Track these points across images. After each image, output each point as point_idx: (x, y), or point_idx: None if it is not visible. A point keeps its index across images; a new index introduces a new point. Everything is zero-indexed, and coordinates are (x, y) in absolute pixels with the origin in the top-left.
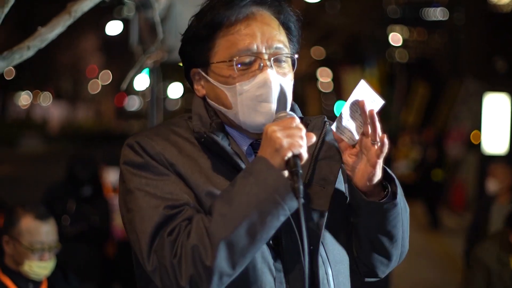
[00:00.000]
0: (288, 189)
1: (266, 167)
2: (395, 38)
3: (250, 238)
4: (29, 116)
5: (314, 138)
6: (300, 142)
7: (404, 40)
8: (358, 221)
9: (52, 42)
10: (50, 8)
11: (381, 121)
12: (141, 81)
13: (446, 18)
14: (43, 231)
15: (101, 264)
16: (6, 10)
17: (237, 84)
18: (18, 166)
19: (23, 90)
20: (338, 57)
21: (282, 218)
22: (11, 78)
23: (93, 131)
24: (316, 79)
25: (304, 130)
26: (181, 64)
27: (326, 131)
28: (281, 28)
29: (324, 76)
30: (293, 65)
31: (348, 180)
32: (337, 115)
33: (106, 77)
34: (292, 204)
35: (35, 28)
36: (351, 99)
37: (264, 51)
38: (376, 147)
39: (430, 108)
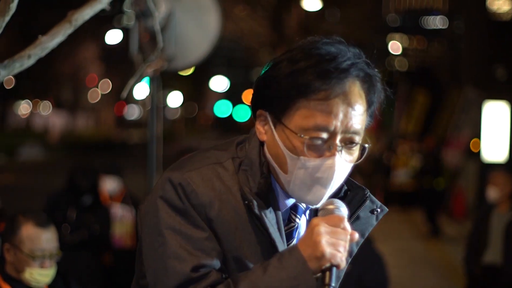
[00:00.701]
0: None
1: (302, 269)
2: (395, 47)
3: None
4: (28, 125)
5: (356, 236)
6: (342, 252)
7: (403, 49)
8: None
9: (51, 51)
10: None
11: (380, 129)
12: (141, 90)
13: (445, 27)
14: (44, 239)
15: (100, 272)
16: (7, 18)
17: (301, 157)
18: (18, 175)
19: (23, 99)
20: None
21: None
22: (11, 87)
23: (93, 140)
24: None
25: (349, 235)
26: (182, 73)
27: (363, 207)
28: (365, 108)
29: None
30: (362, 152)
31: None
32: None
33: (105, 86)
34: None
35: (35, 37)
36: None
37: (339, 133)
38: None
39: (430, 117)
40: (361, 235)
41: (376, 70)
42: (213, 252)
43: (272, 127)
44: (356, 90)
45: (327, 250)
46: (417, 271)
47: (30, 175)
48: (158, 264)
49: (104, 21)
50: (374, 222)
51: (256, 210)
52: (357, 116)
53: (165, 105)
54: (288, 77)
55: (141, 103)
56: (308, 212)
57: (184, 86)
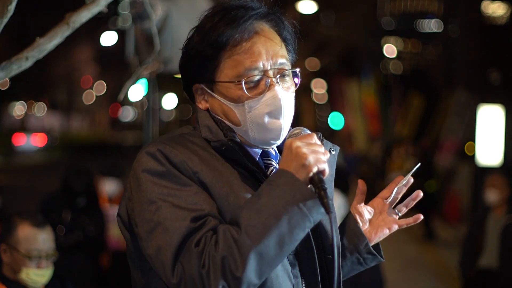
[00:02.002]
0: (315, 203)
1: (292, 181)
2: (390, 50)
3: (279, 248)
4: (23, 126)
5: (328, 155)
6: (323, 158)
7: (398, 52)
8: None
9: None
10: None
11: (377, 132)
12: (136, 91)
13: (440, 30)
14: (40, 239)
15: (96, 274)
16: (6, 20)
17: (245, 102)
18: (13, 176)
19: (18, 100)
20: (333, 69)
21: (307, 230)
22: (6, 88)
23: (88, 142)
24: (311, 91)
25: (323, 147)
26: (176, 76)
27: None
28: (282, 42)
29: (319, 88)
30: (295, 77)
31: (347, 221)
32: (331, 126)
33: (100, 87)
34: (318, 217)
35: (31, 39)
36: (409, 175)
37: (269, 68)
38: (396, 217)
39: (425, 120)
40: (330, 175)
41: (278, 9)
42: (206, 203)
43: (210, 92)
44: (266, 27)
45: (310, 156)
46: (412, 275)
47: (25, 176)
48: (158, 230)
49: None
50: (334, 161)
51: (238, 149)
52: (277, 48)
53: (160, 107)
54: (203, 41)
55: (136, 105)
56: (279, 159)
57: (179, 88)
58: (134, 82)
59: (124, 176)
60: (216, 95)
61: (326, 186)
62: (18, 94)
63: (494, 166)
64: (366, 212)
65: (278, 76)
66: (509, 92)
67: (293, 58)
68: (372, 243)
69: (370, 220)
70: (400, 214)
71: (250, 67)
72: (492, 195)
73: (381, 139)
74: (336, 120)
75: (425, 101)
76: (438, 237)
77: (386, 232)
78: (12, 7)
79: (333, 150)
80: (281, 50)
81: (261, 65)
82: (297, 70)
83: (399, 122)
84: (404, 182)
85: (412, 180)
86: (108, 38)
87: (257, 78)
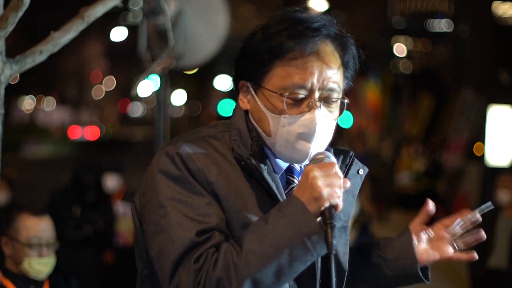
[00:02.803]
0: (321, 238)
1: (302, 212)
2: (400, 49)
3: (276, 279)
4: (32, 120)
5: (348, 184)
6: (338, 192)
7: (408, 51)
8: (388, 276)
9: None
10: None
11: (387, 132)
12: (145, 87)
13: (450, 30)
14: (39, 227)
15: (103, 269)
16: (21, 13)
17: (282, 116)
18: (21, 171)
19: (27, 94)
20: None
21: (308, 263)
22: (15, 82)
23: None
24: None
25: (342, 179)
26: (187, 72)
27: (352, 167)
28: (340, 68)
29: None
30: (342, 108)
31: (402, 237)
32: (340, 124)
33: (110, 83)
34: (321, 252)
35: (40, 33)
36: (480, 211)
37: (317, 90)
38: (452, 250)
39: (435, 120)
40: (352, 196)
41: (349, 35)
42: (215, 216)
43: (254, 93)
44: (329, 49)
45: (324, 190)
46: None
47: (34, 171)
48: (162, 236)
49: (109, 18)
50: (360, 182)
51: (254, 167)
52: (332, 73)
53: (169, 103)
54: (262, 43)
55: (145, 100)
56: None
57: (188, 84)
58: (145, 78)
59: (126, 171)
60: (257, 99)
61: (334, 223)
62: (28, 88)
63: (503, 166)
64: (425, 234)
65: (323, 102)
66: None
67: (348, 85)
68: (420, 265)
69: (425, 241)
70: (458, 248)
71: (298, 84)
72: (504, 196)
73: (390, 138)
74: (345, 119)
75: (435, 101)
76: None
77: (437, 258)
78: (27, 1)
79: (360, 171)
80: (336, 75)
81: (309, 84)
82: (346, 100)
83: (409, 122)
84: (470, 218)
85: (480, 218)
86: (119, 33)
87: (301, 96)
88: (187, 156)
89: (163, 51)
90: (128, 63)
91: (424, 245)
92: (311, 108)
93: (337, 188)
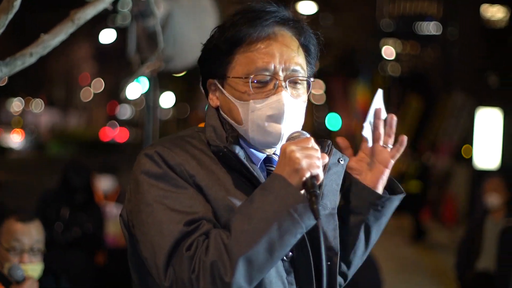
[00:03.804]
0: (306, 208)
1: (285, 185)
2: (388, 52)
3: (269, 254)
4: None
5: (327, 159)
6: (317, 163)
7: (397, 54)
8: (368, 218)
9: None
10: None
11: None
12: (134, 89)
13: (439, 33)
14: (23, 233)
15: (93, 271)
16: (11, 16)
17: (250, 101)
18: (10, 173)
19: (15, 96)
20: (331, 70)
21: (299, 236)
22: (4, 84)
23: (85, 139)
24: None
25: (319, 151)
26: (176, 75)
27: (332, 154)
28: (300, 50)
29: (317, 88)
30: (308, 87)
31: (348, 185)
32: (328, 127)
33: (98, 85)
34: (309, 223)
35: (27, 35)
36: (373, 107)
37: (280, 72)
38: (388, 149)
39: (423, 122)
40: (336, 184)
41: (301, 19)
42: (201, 206)
43: (221, 87)
44: (285, 31)
45: (303, 160)
46: (408, 277)
47: (22, 173)
48: (152, 233)
49: (98, 20)
50: (342, 170)
51: (233, 157)
52: (293, 54)
53: (158, 106)
54: (221, 37)
55: (133, 103)
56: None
57: (176, 86)
58: (134, 80)
59: (119, 173)
60: (225, 91)
61: (318, 191)
62: (16, 90)
63: (491, 169)
64: (359, 163)
65: (288, 82)
66: (507, 95)
67: (312, 70)
68: (379, 190)
69: (367, 168)
70: (389, 145)
71: (261, 67)
72: (493, 199)
73: None
74: (333, 121)
75: (423, 104)
76: (431, 238)
77: (386, 171)
78: (17, 3)
79: (341, 160)
80: (297, 57)
81: (272, 67)
82: (311, 79)
83: (397, 124)
84: (372, 113)
85: (383, 110)
86: (107, 36)
87: (265, 78)
88: (166, 153)
89: (153, 53)
90: (116, 65)
91: (369, 172)
92: (277, 88)
93: (316, 159)
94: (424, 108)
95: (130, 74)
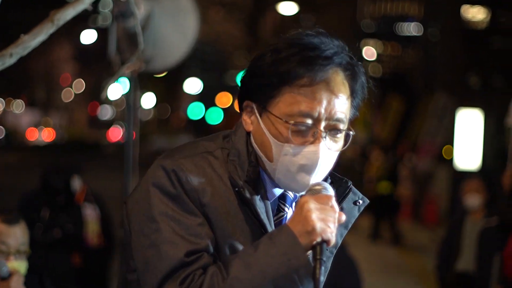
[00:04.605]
0: (309, 273)
1: (292, 244)
2: (369, 52)
3: None
4: (1, 123)
5: (344, 218)
6: (332, 227)
7: (378, 55)
8: None
9: None
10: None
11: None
12: (114, 90)
13: (420, 34)
14: (9, 234)
15: (73, 272)
16: None
17: (286, 144)
18: None
19: None
20: None
21: None
22: None
23: (66, 140)
24: None
25: (337, 213)
26: (157, 75)
27: (347, 199)
28: (349, 98)
29: None
30: (346, 139)
31: None
32: None
33: (79, 85)
34: (307, 286)
35: (9, 35)
36: None
37: (323, 120)
38: None
39: (404, 123)
40: (345, 227)
41: (359, 63)
42: (206, 237)
43: (258, 116)
44: (339, 78)
45: (318, 224)
46: (389, 278)
47: (2, 174)
48: (151, 250)
49: (79, 20)
50: (357, 214)
51: (247, 196)
52: (340, 103)
53: (139, 106)
54: (272, 66)
55: (114, 103)
56: (295, 202)
57: (157, 87)
58: (115, 81)
59: (98, 173)
60: (261, 123)
61: (325, 259)
62: None
63: (472, 170)
64: None
65: (328, 131)
66: (488, 96)
67: (354, 114)
68: None
69: None
70: None
71: (305, 112)
72: (473, 200)
73: (356, 142)
74: None
75: (404, 104)
76: (412, 239)
77: None
78: None
79: (359, 202)
80: (344, 105)
81: (316, 113)
82: (351, 132)
83: (378, 125)
84: None
85: None
86: (88, 36)
87: (307, 125)
88: (183, 174)
89: (133, 54)
90: (97, 66)
91: None
92: (316, 138)
93: (331, 223)
94: (405, 109)
95: (111, 74)
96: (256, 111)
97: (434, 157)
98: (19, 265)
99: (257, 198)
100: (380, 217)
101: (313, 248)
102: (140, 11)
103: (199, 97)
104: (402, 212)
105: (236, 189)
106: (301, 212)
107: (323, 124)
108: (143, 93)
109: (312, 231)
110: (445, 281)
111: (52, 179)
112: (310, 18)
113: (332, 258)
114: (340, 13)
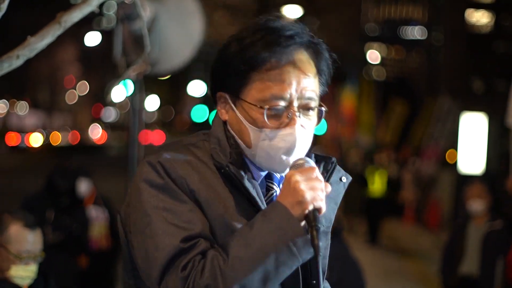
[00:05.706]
0: (306, 242)
1: (286, 217)
2: (373, 56)
3: (262, 284)
4: (5, 125)
5: (329, 188)
6: (321, 195)
7: (382, 58)
8: None
9: None
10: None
11: (358, 138)
12: (118, 92)
13: (424, 37)
14: (30, 240)
15: (77, 274)
16: None
17: (263, 129)
18: None
19: (0, 99)
20: None
21: (294, 268)
22: None
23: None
24: None
25: (323, 182)
26: (161, 78)
27: (335, 172)
28: (316, 76)
29: None
30: (320, 116)
31: None
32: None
33: (83, 87)
34: (306, 257)
35: (13, 37)
36: None
37: (296, 100)
38: None
39: (408, 127)
40: (335, 202)
41: (321, 40)
42: (199, 223)
43: (233, 105)
44: (304, 57)
45: (307, 193)
46: (392, 282)
47: (6, 176)
48: (147, 244)
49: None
50: (343, 190)
51: (235, 176)
52: (309, 82)
53: (143, 109)
54: (238, 54)
55: (118, 105)
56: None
57: (161, 90)
58: (120, 83)
59: (96, 176)
60: (237, 111)
61: (319, 225)
62: (1, 93)
63: (476, 174)
64: None
65: (301, 110)
66: (492, 100)
67: (324, 91)
68: None
69: None
70: None
71: (277, 95)
72: (476, 206)
73: (359, 146)
74: (318, 125)
75: (408, 108)
76: (415, 243)
77: None
78: (4, 6)
79: (343, 178)
80: (313, 83)
81: (288, 95)
82: (323, 109)
83: (382, 129)
84: None
85: None
86: (92, 38)
87: (280, 107)
88: (168, 164)
89: (139, 56)
90: (101, 68)
91: None
92: (291, 119)
93: (319, 191)
94: (409, 113)
95: (115, 76)
96: (229, 100)
97: (437, 161)
98: (34, 267)
99: (245, 178)
100: (375, 221)
101: (307, 217)
102: (146, 14)
103: (202, 100)
104: (405, 216)
105: (222, 170)
106: (289, 185)
107: (295, 104)
108: (147, 95)
109: (302, 200)
110: (449, 284)
111: (56, 181)
112: (314, 22)
113: (329, 236)
114: (344, 17)
